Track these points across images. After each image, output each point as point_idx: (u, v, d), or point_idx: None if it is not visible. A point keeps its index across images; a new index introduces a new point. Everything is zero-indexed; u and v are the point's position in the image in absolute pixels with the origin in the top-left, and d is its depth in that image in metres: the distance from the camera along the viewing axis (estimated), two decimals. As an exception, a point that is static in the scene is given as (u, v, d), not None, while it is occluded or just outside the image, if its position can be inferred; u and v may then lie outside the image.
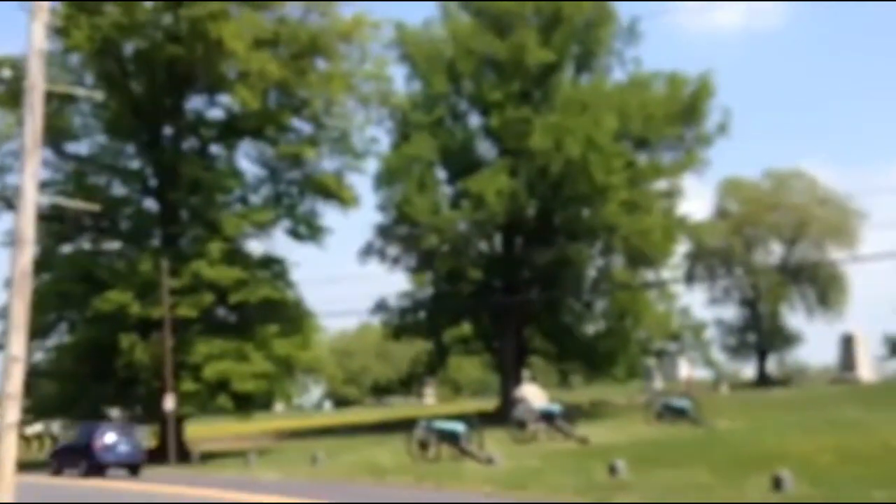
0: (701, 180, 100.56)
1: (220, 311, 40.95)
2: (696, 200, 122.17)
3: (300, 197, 43.44)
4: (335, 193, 42.23)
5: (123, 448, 31.46)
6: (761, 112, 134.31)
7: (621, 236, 45.95)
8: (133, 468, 31.34)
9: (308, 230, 42.94)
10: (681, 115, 47.61)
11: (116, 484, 27.75)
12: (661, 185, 50.17)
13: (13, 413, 12.03)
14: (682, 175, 50.34)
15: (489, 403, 53.63)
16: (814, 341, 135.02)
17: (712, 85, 47.61)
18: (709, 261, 71.44)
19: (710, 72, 47.92)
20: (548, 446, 28.68)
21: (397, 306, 52.53)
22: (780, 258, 72.17)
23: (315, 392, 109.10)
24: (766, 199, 70.27)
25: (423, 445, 27.28)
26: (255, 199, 43.13)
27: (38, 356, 41.91)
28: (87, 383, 39.35)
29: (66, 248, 42.74)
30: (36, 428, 50.57)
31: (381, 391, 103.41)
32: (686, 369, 65.79)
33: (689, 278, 68.17)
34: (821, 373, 77.79)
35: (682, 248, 58.35)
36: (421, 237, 46.68)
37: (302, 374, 49.82)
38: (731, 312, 73.99)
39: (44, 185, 35.66)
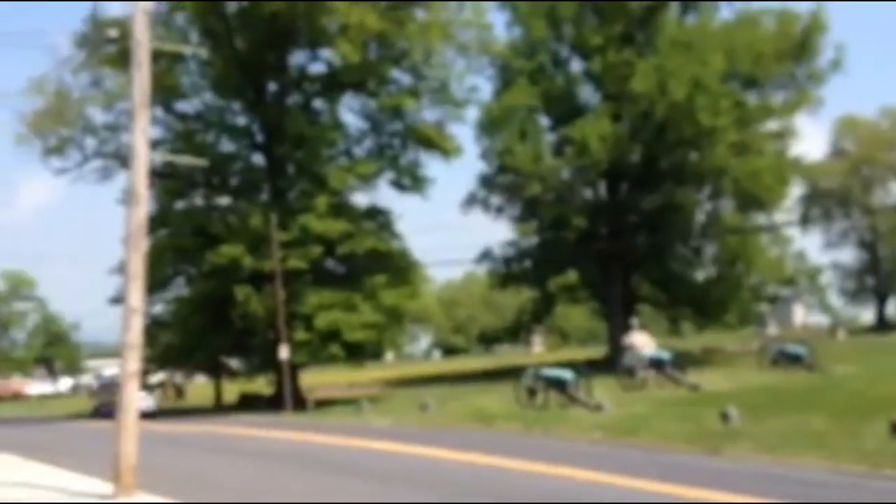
0: (815, 119, 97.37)
1: (329, 263, 41.69)
2: (811, 140, 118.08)
3: (402, 148, 43.63)
4: (437, 144, 42.26)
5: None
6: (877, 46, 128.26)
7: (731, 179, 44.82)
8: None
9: (411, 181, 43.17)
10: (792, 52, 45.90)
11: (241, 430, 28.72)
12: (772, 125, 48.65)
13: (134, 362, 12.55)
14: (794, 114, 48.72)
15: (597, 351, 53.43)
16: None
17: (825, 20, 45.74)
18: (825, 202, 69.26)
19: (823, 6, 46.08)
20: (657, 394, 28.38)
21: (502, 255, 52.59)
22: (901, 198, 69.37)
23: (424, 341, 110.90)
24: (884, 137, 67.55)
25: (531, 393, 27.35)
26: (358, 151, 43.55)
27: (159, 308, 43.62)
28: (205, 334, 40.71)
29: (181, 205, 44.05)
30: (159, 377, 52.74)
31: (488, 340, 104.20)
32: (801, 314, 64.21)
33: (804, 221, 66.38)
34: (945, 316, 74.83)
35: (796, 190, 56.77)
36: (524, 186, 46.40)
37: (410, 324, 50.47)
38: (848, 255, 71.94)
39: (156, 144, 36.81)
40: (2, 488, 14.67)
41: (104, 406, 39.94)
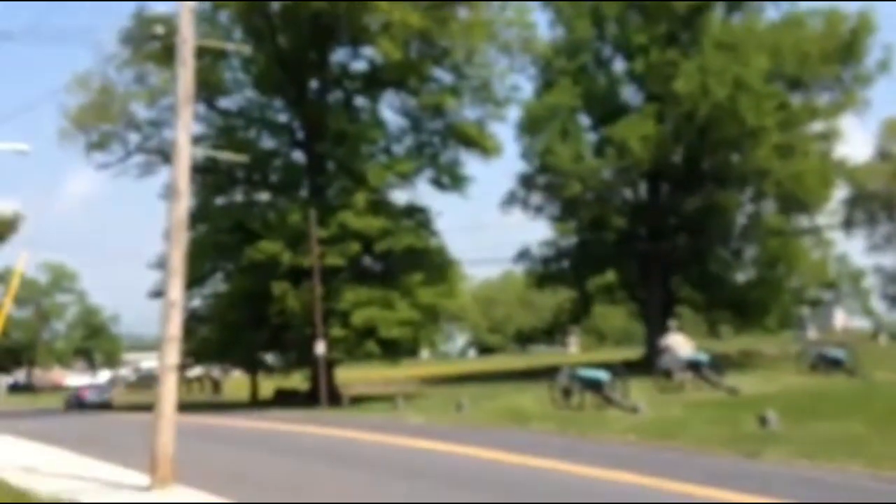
0: (861, 121, 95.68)
1: (367, 260, 41.82)
2: (856, 143, 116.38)
3: (442, 146, 43.63)
4: (477, 142, 42.20)
5: None
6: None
7: (774, 181, 44.34)
8: None
9: (450, 179, 43.16)
10: (838, 53, 45.29)
11: (276, 425, 28.94)
12: (817, 127, 48.05)
13: (173, 355, 12.68)
14: (839, 116, 48.09)
15: (634, 353, 53.09)
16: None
17: (873, 21, 45.06)
18: (869, 205, 68.14)
19: (871, 7, 45.43)
20: (694, 396, 28.15)
21: (541, 255, 52.44)
22: (947, 202, 68.02)
23: (460, 339, 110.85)
24: (932, 139, 66.29)
25: (567, 393, 27.24)
26: (398, 149, 43.61)
27: (197, 303, 44.02)
28: (242, 329, 41.00)
29: (221, 200, 44.41)
30: (196, 371, 53.25)
31: (524, 339, 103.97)
32: (842, 318, 63.31)
33: (848, 224, 65.38)
34: None
35: (840, 192, 56.04)
36: (564, 185, 46.22)
37: (447, 322, 50.41)
38: (892, 259, 70.86)
39: (198, 140, 37.12)
40: (39, 478, 14.89)
41: (70, 399, 51.53)
